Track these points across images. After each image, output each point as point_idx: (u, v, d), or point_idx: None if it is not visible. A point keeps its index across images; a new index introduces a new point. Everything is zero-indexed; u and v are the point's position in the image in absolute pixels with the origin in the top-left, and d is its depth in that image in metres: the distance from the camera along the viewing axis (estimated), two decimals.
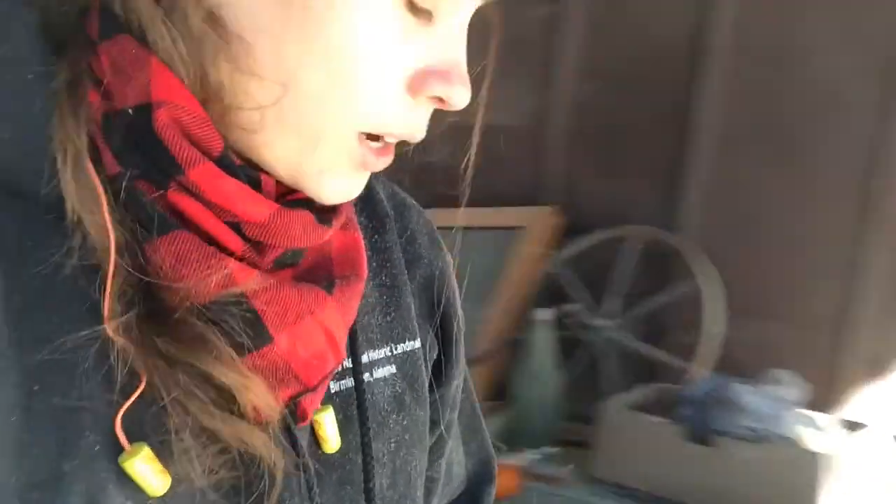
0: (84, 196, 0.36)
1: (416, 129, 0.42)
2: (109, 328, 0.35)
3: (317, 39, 0.37)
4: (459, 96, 0.41)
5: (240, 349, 0.38)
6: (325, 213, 0.43)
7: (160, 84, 0.36)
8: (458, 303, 0.60)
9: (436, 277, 0.58)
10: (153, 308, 0.37)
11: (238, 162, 0.39)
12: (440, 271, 0.59)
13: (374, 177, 0.53)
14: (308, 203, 0.42)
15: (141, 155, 0.37)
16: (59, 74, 0.37)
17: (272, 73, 0.38)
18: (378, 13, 0.38)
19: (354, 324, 0.47)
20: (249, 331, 0.38)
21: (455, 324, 0.59)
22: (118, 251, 0.36)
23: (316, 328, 0.41)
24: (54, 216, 0.36)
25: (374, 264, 0.54)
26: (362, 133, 0.41)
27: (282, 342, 0.39)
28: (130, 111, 0.37)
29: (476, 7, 0.42)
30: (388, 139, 0.42)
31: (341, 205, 0.45)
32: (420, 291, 0.57)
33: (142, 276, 0.36)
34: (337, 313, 0.42)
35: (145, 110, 0.36)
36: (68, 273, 0.36)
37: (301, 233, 0.41)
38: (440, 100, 0.41)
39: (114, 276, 0.36)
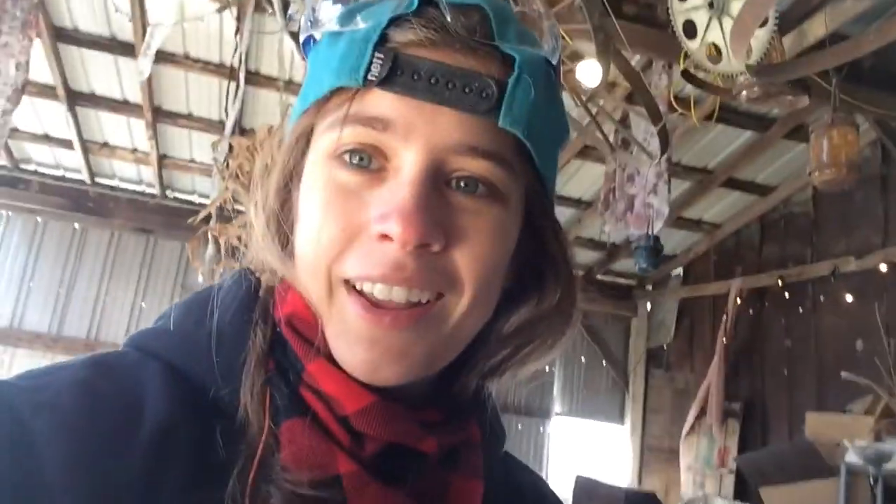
0: (254, 393, 0.48)
1: (378, 267, 0.46)
2: (248, 498, 0.44)
3: (300, 221, 0.50)
4: (393, 229, 0.45)
5: None
6: (430, 422, 0.50)
7: (287, 302, 0.51)
8: None
9: None
10: (271, 481, 0.45)
11: None
12: None
13: (513, 458, 0.64)
14: (414, 407, 0.50)
15: (284, 357, 0.50)
16: (255, 311, 0.52)
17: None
18: (320, 187, 0.49)
19: None
20: None
21: None
22: (266, 438, 0.46)
23: None
24: (224, 414, 0.48)
25: None
26: (347, 284, 0.48)
27: None
28: (278, 329, 0.51)
29: (428, 162, 0.47)
30: (366, 288, 0.47)
31: (454, 427, 0.52)
32: None
33: (271, 454, 0.46)
34: None
35: (283, 322, 0.51)
36: (218, 444, 0.46)
37: (398, 425, 0.48)
38: (385, 236, 0.46)
39: (262, 457, 0.45)
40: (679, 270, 6.52)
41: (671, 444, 6.15)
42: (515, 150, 0.49)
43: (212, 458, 0.45)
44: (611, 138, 3.92)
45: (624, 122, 4.07)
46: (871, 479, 3.72)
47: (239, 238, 3.29)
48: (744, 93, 2.95)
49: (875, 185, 4.68)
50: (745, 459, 4.85)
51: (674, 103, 3.73)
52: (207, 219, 3.87)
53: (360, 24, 0.48)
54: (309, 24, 0.52)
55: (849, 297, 4.81)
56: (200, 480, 0.44)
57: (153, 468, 0.44)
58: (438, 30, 0.47)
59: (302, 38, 0.53)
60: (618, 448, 6.70)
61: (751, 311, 5.66)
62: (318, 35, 0.52)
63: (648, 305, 6.75)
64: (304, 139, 0.51)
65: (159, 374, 0.48)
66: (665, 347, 6.57)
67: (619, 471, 6.55)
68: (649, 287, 6.77)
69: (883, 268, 4.50)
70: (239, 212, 3.33)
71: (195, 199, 6.35)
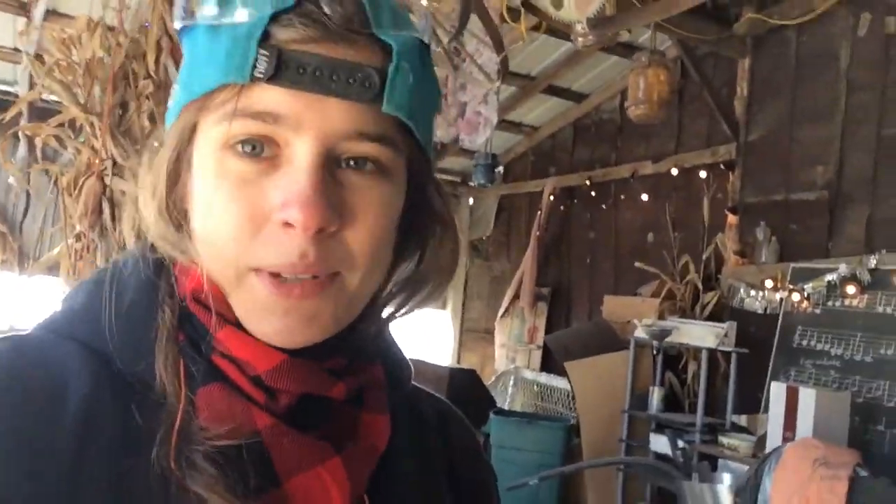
0: (168, 365, 0.50)
1: (285, 256, 0.49)
2: (172, 461, 0.47)
3: (197, 208, 0.52)
4: (295, 217, 0.47)
5: (252, 490, 0.47)
6: (336, 369, 0.54)
7: (190, 278, 0.53)
8: None
9: (475, 493, 0.66)
10: (192, 443, 0.47)
11: None
12: (479, 485, 0.68)
13: (420, 390, 0.67)
14: (320, 358, 0.53)
15: (193, 329, 0.52)
16: (160, 288, 0.54)
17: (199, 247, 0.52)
18: (215, 176, 0.50)
19: None
20: (261, 472, 0.48)
21: None
22: (184, 406, 0.49)
23: (322, 481, 0.50)
24: (142, 387, 0.50)
25: (415, 465, 0.61)
26: (255, 269, 0.50)
27: (289, 488, 0.49)
28: (183, 302, 0.53)
29: (320, 149, 0.49)
30: (283, 273, 0.49)
31: (357, 369, 0.56)
32: (457, 497, 0.64)
33: (189, 419, 0.49)
34: (343, 471, 0.50)
35: (189, 298, 0.53)
36: (137, 416, 0.49)
37: (307, 378, 0.51)
38: (288, 224, 0.48)
39: (180, 425, 0.48)
40: (500, 168, 6.95)
41: (487, 325, 6.78)
42: (398, 127, 0.52)
43: (135, 429, 0.48)
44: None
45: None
46: (654, 351, 4.42)
47: (57, 138, 3.12)
48: (580, 40, 3.26)
49: (673, 98, 5.28)
50: (551, 338, 5.50)
51: (505, 15, 3.95)
52: (18, 115, 3.58)
53: (239, 17, 0.49)
54: (183, 13, 0.52)
55: (644, 197, 5.48)
56: (126, 450, 0.47)
57: (81, 442, 0.46)
58: (318, 25, 0.48)
59: (178, 26, 0.53)
60: (440, 331, 7.24)
61: (562, 208, 6.24)
62: (191, 22, 0.52)
63: (471, 200, 7.17)
64: (190, 129, 0.52)
65: (77, 354, 0.50)
66: (484, 239, 7.09)
67: (441, 351, 7.12)
68: (472, 183, 7.17)
69: (674, 171, 5.16)
70: (54, 108, 3.14)
71: None
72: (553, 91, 5.94)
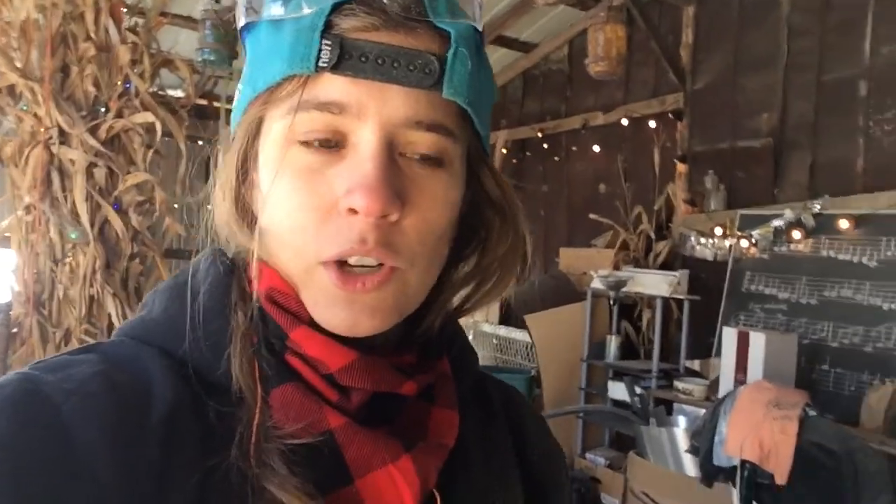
0: (243, 367, 0.51)
1: (346, 242, 0.49)
2: (251, 460, 0.48)
3: (264, 202, 0.52)
4: (359, 203, 0.48)
5: (324, 488, 0.48)
6: (405, 366, 0.55)
7: (263, 277, 0.54)
8: (568, 488, 0.71)
9: (545, 469, 0.67)
10: (267, 442, 0.48)
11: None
12: (548, 460, 0.69)
13: (485, 375, 0.67)
14: (390, 355, 0.54)
15: (267, 329, 0.53)
16: (233, 290, 0.55)
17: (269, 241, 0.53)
18: (281, 168, 0.51)
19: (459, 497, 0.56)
20: (333, 470, 0.49)
21: None
22: (260, 406, 0.50)
23: (393, 478, 0.50)
24: (219, 389, 0.51)
25: (483, 455, 0.61)
26: (322, 263, 0.51)
27: (360, 486, 0.49)
28: (257, 302, 0.53)
29: (383, 136, 0.50)
30: (346, 260, 0.50)
31: (427, 366, 0.57)
32: (528, 479, 0.65)
33: (265, 419, 0.49)
34: (413, 468, 0.50)
35: (263, 297, 0.54)
36: (216, 417, 0.50)
37: (379, 375, 0.52)
38: (352, 210, 0.49)
39: (259, 423, 0.49)
40: None
41: None
42: (457, 116, 0.52)
43: (214, 431, 0.49)
44: None
45: None
46: (610, 301, 4.53)
47: None
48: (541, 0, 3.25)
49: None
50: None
51: None
52: None
53: (303, 10, 0.49)
54: (246, 10, 0.53)
55: (596, 148, 5.53)
56: (207, 451, 0.48)
57: (167, 444, 0.47)
58: (378, 13, 0.49)
59: (241, 24, 0.54)
60: None
61: (514, 161, 6.26)
62: (255, 18, 0.53)
63: None
64: (256, 124, 0.53)
65: (158, 360, 0.51)
66: None
67: None
68: None
69: (624, 122, 5.22)
70: None
71: None
72: (502, 41, 5.89)
